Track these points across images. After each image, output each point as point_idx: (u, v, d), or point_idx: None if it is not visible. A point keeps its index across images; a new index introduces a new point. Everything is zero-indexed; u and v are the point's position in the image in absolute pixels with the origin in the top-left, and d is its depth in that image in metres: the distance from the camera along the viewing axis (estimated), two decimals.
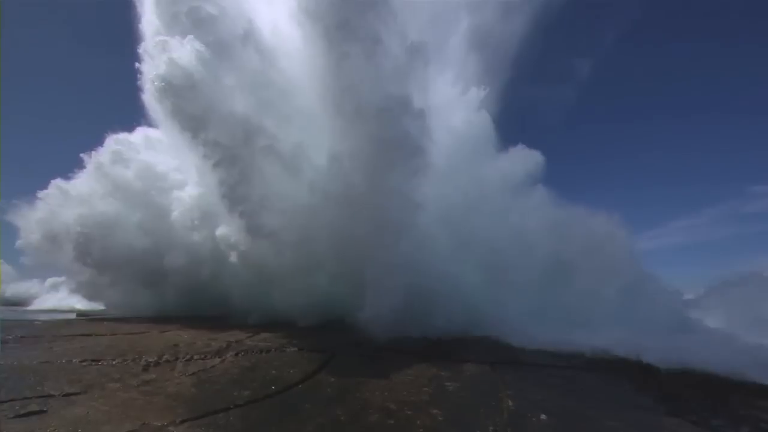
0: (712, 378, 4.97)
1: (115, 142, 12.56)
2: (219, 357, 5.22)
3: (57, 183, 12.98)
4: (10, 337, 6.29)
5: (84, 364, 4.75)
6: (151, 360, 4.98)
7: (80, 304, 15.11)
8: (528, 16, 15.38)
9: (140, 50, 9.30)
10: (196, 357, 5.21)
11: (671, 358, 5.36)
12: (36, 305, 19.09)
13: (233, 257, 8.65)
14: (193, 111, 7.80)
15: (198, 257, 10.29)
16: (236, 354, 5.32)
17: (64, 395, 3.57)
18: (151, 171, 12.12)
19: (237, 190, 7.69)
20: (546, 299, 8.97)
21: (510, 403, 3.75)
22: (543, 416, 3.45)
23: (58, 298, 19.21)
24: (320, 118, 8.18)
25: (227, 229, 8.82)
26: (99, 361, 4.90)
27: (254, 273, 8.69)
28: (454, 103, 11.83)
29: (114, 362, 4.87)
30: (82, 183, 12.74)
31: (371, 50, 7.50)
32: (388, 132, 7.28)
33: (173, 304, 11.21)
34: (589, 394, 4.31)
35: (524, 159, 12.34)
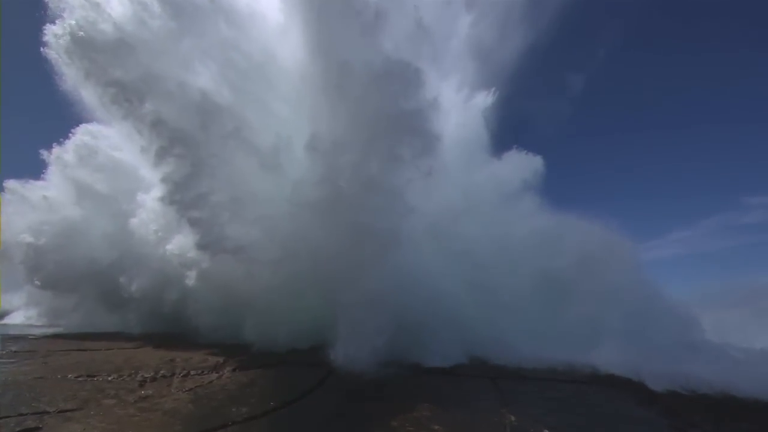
0: (716, 395, 4.94)
1: (83, 134, 10.40)
2: (216, 372, 5.15)
3: (10, 184, 11.02)
4: (4, 352, 6.20)
5: (79, 379, 4.67)
6: (147, 375, 4.91)
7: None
8: (524, 31, 15.58)
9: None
10: (192, 372, 5.13)
11: (676, 383, 5.11)
12: (9, 319, 15.94)
13: (191, 278, 6.91)
14: (125, 77, 5.96)
15: (164, 275, 8.17)
16: (233, 369, 5.24)
17: (59, 411, 3.51)
18: (128, 171, 10.06)
19: (189, 188, 5.87)
20: (542, 323, 7.63)
21: (512, 418, 3.71)
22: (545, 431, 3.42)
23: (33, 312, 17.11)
24: (307, 106, 6.47)
25: (184, 242, 6.94)
26: (94, 376, 4.82)
27: (222, 296, 6.89)
28: (454, 108, 10.67)
29: (110, 378, 4.79)
30: (44, 184, 10.86)
31: (368, 15, 5.87)
32: (390, 107, 5.54)
33: (140, 329, 9.01)
34: (591, 408, 4.27)
35: (522, 164, 11.14)
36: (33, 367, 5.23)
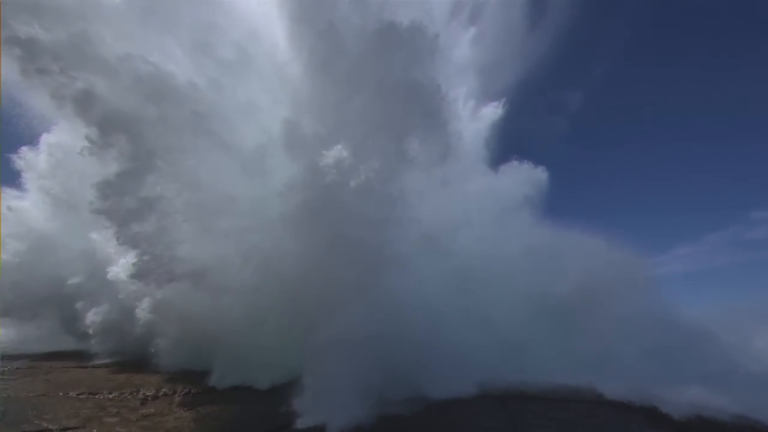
0: (729, 418, 4.79)
1: (59, 133, 8.63)
2: (217, 390, 5.10)
3: None
4: (6, 369, 6.17)
5: (81, 396, 4.64)
6: (149, 393, 4.87)
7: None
8: (524, 48, 15.77)
9: None
10: (194, 391, 5.09)
11: (691, 407, 4.78)
12: None
13: (144, 310, 5.64)
14: (41, 36, 4.23)
15: (126, 302, 6.45)
16: (236, 388, 5.19)
17: (62, 429, 3.49)
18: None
19: (126, 190, 4.21)
20: (547, 355, 6.54)
21: None
22: None
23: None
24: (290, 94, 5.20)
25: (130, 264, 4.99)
26: (96, 394, 4.79)
27: (185, 330, 5.62)
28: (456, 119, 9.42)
29: (111, 395, 4.75)
30: (17, 193, 9.40)
31: None
32: (396, 79, 4.28)
33: (109, 359, 7.28)
34: (600, 429, 4.17)
35: (523, 176, 10.39)
36: (35, 385, 5.21)
